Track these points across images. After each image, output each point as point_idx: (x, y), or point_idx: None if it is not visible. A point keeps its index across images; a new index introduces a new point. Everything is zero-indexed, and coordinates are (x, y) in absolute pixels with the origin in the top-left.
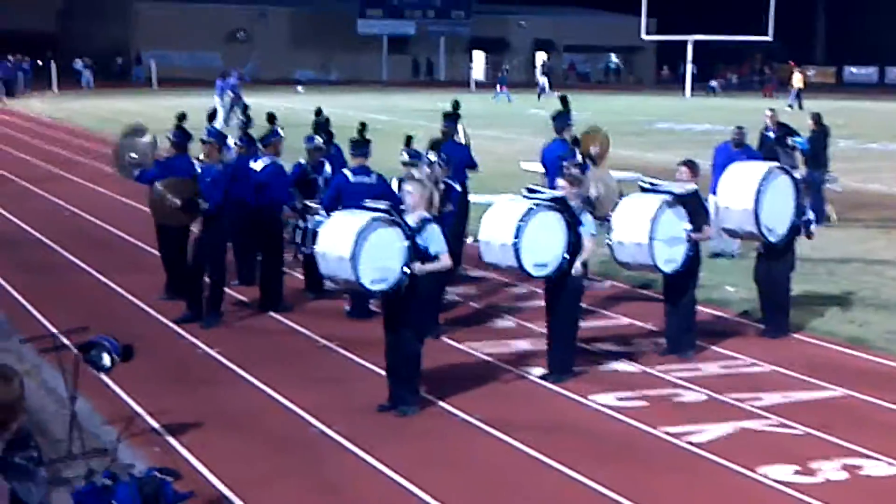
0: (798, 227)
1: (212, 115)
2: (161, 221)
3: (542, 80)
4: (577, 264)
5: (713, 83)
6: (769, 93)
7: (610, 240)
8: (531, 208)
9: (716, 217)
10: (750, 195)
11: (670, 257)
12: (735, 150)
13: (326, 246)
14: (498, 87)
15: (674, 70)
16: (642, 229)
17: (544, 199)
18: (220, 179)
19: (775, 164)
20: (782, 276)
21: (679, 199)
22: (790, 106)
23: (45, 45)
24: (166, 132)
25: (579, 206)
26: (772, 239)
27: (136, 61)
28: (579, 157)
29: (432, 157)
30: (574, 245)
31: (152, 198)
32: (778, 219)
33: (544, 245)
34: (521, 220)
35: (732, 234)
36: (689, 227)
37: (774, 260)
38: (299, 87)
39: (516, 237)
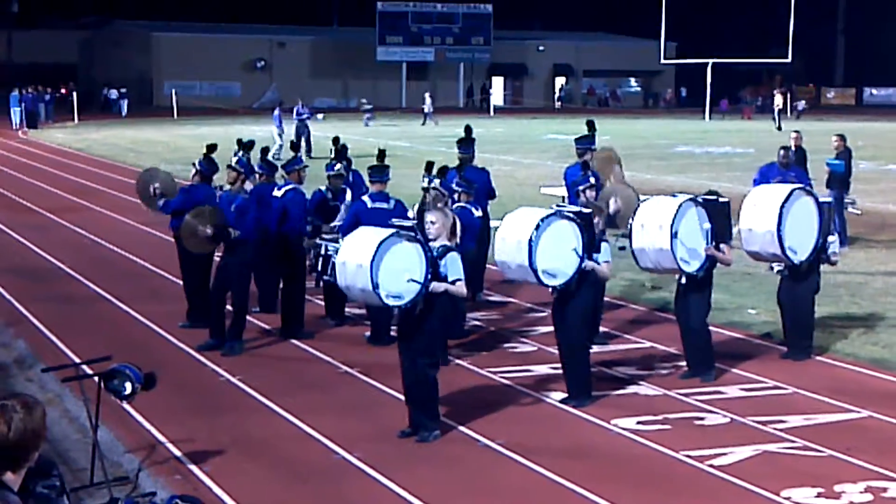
0: (823, 248)
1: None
2: (190, 249)
3: (427, 103)
4: (601, 265)
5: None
6: (748, 115)
7: (631, 245)
8: (546, 217)
9: (740, 241)
10: (773, 217)
11: (692, 257)
12: (784, 171)
13: (347, 254)
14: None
15: (690, 94)
16: (664, 227)
17: (570, 212)
18: (246, 208)
19: (798, 185)
20: (806, 297)
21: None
22: (779, 128)
23: (66, 77)
24: (193, 161)
25: (601, 232)
26: (795, 260)
27: (119, 93)
28: (592, 180)
29: (436, 182)
30: (589, 246)
31: (183, 227)
32: (801, 240)
33: (559, 254)
34: (535, 228)
35: (756, 256)
36: (709, 225)
37: (798, 281)
38: (319, 115)
39: (531, 242)
